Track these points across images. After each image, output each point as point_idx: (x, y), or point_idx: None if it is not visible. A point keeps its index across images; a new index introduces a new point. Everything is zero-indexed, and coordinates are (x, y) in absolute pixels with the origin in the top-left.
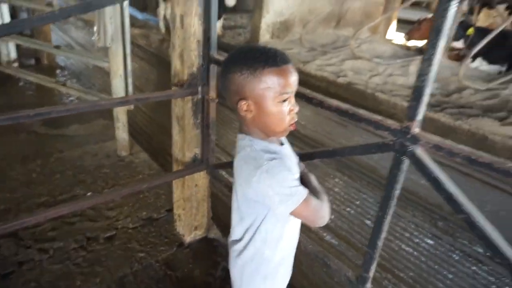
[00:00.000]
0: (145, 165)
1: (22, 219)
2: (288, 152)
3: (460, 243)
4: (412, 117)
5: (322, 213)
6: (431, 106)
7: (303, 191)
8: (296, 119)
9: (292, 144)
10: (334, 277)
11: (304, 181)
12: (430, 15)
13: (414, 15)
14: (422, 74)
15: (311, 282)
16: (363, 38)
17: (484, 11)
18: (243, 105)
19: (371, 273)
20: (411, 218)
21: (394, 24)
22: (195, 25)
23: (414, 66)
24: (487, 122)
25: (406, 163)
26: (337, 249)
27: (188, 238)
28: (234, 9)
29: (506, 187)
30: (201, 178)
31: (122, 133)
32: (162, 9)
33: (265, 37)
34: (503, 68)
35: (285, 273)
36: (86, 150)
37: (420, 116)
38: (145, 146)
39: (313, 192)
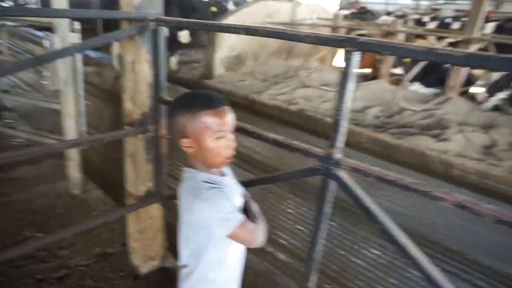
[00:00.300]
0: (99, 202)
1: None
2: (229, 183)
3: None
4: (333, 145)
5: (257, 235)
6: (376, 127)
7: (239, 216)
8: (234, 153)
9: (247, 170)
10: None
11: (246, 208)
12: None
13: None
14: (337, 111)
15: None
16: (312, 68)
17: (418, 41)
18: (184, 142)
19: (312, 284)
20: (358, 232)
21: (340, 53)
22: (145, 70)
23: (360, 92)
24: (424, 139)
25: (332, 184)
26: (290, 266)
27: (144, 269)
28: (189, 45)
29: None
30: (155, 210)
31: (74, 171)
32: (116, 48)
33: (219, 71)
34: (438, 91)
35: None
36: (36, 192)
37: (340, 144)
38: (99, 183)
39: (251, 217)
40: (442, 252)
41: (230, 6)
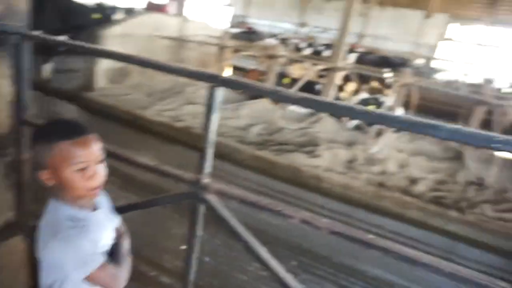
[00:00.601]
0: None
1: None
2: (98, 218)
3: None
4: (201, 171)
5: (118, 280)
6: (258, 144)
7: (99, 259)
8: (101, 183)
9: (132, 192)
10: None
11: (116, 245)
12: (257, 66)
13: (248, 64)
14: (204, 140)
15: None
16: (199, 85)
17: (297, 65)
18: (43, 174)
19: None
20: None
21: (229, 71)
22: (4, 87)
23: (244, 110)
24: (298, 156)
25: (201, 208)
26: None
27: None
28: (67, 51)
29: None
30: (17, 243)
31: None
32: None
33: (101, 83)
34: (312, 110)
35: None
36: None
37: (207, 169)
38: None
39: (118, 257)
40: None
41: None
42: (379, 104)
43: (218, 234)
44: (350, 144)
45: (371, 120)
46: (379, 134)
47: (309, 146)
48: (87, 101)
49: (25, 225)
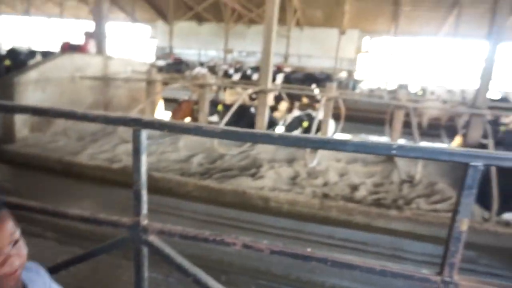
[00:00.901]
0: None
1: None
2: None
3: None
4: (138, 212)
5: None
6: (201, 174)
7: None
8: (15, 269)
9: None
10: None
11: None
12: (189, 96)
13: (180, 94)
14: (136, 182)
15: None
16: None
17: (228, 91)
18: None
19: None
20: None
21: (161, 103)
22: None
23: (182, 141)
24: (243, 179)
25: (145, 250)
26: None
27: None
28: None
29: None
30: None
31: None
32: None
33: (22, 132)
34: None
35: None
36: None
37: (144, 210)
38: None
39: None
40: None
41: (36, 59)
42: (311, 120)
43: (172, 273)
44: (290, 161)
45: (290, 144)
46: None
47: (252, 168)
48: (8, 154)
49: None
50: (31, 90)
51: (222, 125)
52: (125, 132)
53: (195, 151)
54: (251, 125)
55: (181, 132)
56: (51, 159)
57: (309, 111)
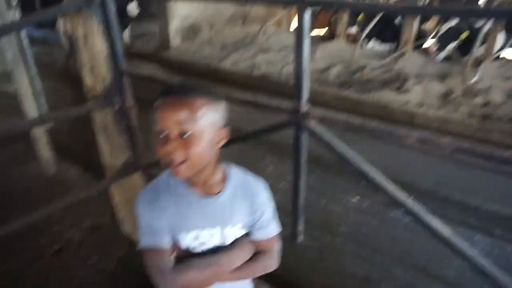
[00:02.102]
0: (78, 179)
1: None
2: (196, 205)
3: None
4: (299, 98)
5: (159, 277)
6: (340, 85)
7: (143, 242)
8: (176, 160)
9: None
10: None
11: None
12: None
13: None
14: (298, 66)
15: None
16: (270, 32)
17: None
18: None
19: (300, 228)
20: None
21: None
22: (99, 43)
23: (318, 52)
24: (386, 92)
25: (303, 136)
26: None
27: (136, 236)
28: (139, 17)
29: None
30: (137, 179)
31: (45, 152)
32: (61, 25)
33: (175, 42)
34: (393, 46)
35: None
36: (8, 176)
37: (305, 96)
38: (74, 161)
39: (194, 264)
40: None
41: None
42: (474, 31)
43: (316, 171)
44: (442, 76)
45: None
46: (477, 63)
47: (395, 82)
48: (165, 59)
49: (140, 164)
50: (180, 3)
51: (363, 36)
52: (264, 42)
53: (334, 62)
54: (395, 37)
55: (348, 7)
56: (200, 65)
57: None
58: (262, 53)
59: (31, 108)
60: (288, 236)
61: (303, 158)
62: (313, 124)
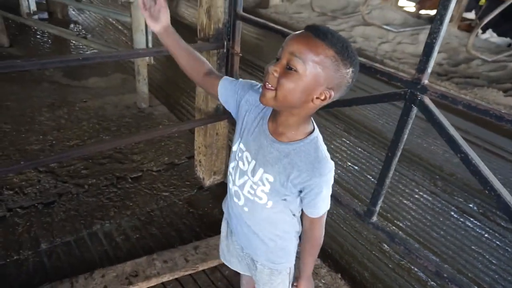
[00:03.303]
0: (164, 117)
1: (59, 154)
2: (264, 141)
3: (456, 201)
4: (422, 70)
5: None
6: (438, 74)
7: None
8: (269, 83)
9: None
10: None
11: None
12: None
13: None
14: (433, 32)
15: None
16: (374, 5)
17: None
18: None
19: (378, 207)
20: (413, 177)
21: None
22: None
23: (424, 35)
24: (491, 92)
25: (414, 110)
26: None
27: (207, 182)
28: None
29: None
30: (222, 127)
31: (142, 86)
32: None
33: (275, 1)
34: None
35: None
36: (107, 101)
37: (429, 69)
38: (163, 101)
39: None
40: None
41: None
42: None
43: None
44: None
45: None
46: None
47: (506, 82)
48: (262, 16)
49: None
50: None
51: (481, 24)
52: (366, 14)
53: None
54: None
55: None
56: (293, 28)
57: None
58: (361, 26)
59: (141, 40)
60: (363, 213)
61: (405, 135)
62: (428, 100)
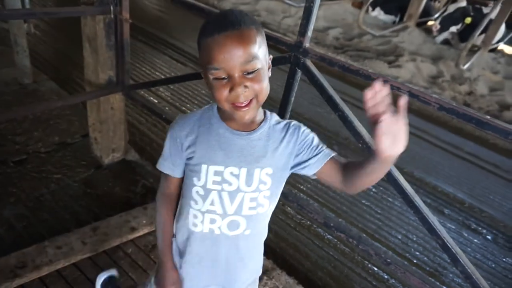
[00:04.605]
0: (53, 93)
1: None
2: (239, 142)
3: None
4: (303, 33)
5: (158, 196)
6: (334, 48)
7: (162, 167)
8: (246, 99)
9: None
10: None
11: None
12: None
13: None
14: (309, 1)
15: None
16: None
17: None
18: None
19: None
20: None
21: None
22: None
23: (322, 11)
24: (378, 64)
25: (299, 73)
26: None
27: (106, 160)
28: None
29: None
30: (117, 101)
31: (22, 59)
32: None
33: None
34: (397, 18)
35: None
36: None
37: (309, 32)
38: (51, 75)
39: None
40: None
41: None
42: (479, 16)
43: None
44: (436, 58)
45: None
46: (473, 51)
47: (390, 55)
48: None
49: (124, 84)
50: None
51: (369, 2)
52: None
53: (334, 24)
54: (401, 10)
55: None
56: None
57: (479, 6)
58: (265, 0)
59: (16, 2)
60: None
61: (292, 97)
62: (310, 62)
